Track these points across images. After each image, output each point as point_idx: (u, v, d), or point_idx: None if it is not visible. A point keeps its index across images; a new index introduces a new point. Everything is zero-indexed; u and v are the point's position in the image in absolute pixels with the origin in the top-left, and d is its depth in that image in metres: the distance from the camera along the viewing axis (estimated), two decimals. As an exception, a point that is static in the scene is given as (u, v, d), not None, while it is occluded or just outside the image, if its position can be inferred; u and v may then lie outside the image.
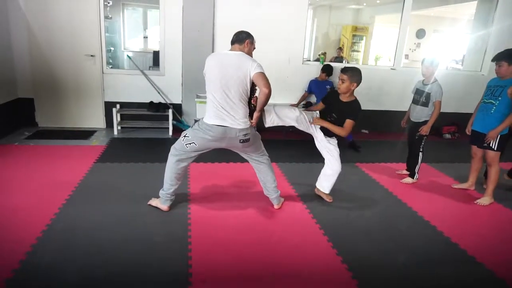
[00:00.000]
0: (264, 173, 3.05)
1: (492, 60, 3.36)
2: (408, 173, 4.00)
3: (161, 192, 2.94)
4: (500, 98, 3.24)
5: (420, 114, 3.77)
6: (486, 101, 3.38)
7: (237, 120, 2.65)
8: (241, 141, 2.71)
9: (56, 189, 3.19)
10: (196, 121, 2.94)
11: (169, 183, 2.89)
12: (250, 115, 2.77)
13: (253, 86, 2.71)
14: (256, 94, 2.76)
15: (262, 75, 2.59)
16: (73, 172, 3.58)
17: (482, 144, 3.40)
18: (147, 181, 3.51)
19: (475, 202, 3.48)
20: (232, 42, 2.77)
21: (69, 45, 4.95)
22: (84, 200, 3.04)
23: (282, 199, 3.22)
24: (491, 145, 3.34)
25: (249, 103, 2.75)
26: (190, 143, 2.76)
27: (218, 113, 2.65)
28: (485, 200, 3.46)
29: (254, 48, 2.84)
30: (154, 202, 3.01)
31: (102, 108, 5.29)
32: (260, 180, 3.12)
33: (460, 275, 2.38)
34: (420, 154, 3.84)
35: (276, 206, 3.13)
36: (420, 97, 3.78)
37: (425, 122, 3.73)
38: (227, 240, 2.59)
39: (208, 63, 2.71)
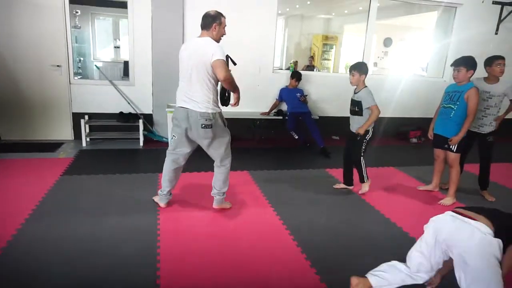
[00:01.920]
0: (217, 177, 3.09)
1: (451, 65, 3.52)
2: (345, 186, 3.88)
3: (159, 191, 3.17)
4: (458, 103, 3.41)
5: (357, 124, 3.56)
6: (446, 105, 3.54)
7: (198, 103, 2.76)
8: (203, 125, 2.77)
9: (19, 203, 3.08)
10: None
11: (163, 184, 3.12)
12: (222, 102, 2.90)
13: None
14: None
15: (219, 62, 2.64)
16: (37, 186, 3.47)
17: (444, 146, 3.55)
18: (117, 192, 3.44)
19: (439, 202, 3.61)
20: (201, 28, 2.83)
21: (34, 55, 4.82)
22: (49, 214, 2.94)
23: (227, 206, 3.23)
24: (451, 147, 3.50)
25: (223, 90, 2.86)
26: (172, 137, 2.98)
27: (182, 97, 2.82)
28: (448, 200, 3.60)
29: (225, 25, 2.88)
30: (156, 198, 3.23)
31: (70, 119, 5.16)
32: (214, 180, 3.14)
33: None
34: (362, 159, 3.64)
35: (214, 206, 3.18)
36: (354, 107, 3.58)
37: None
38: (196, 249, 2.57)
39: (180, 53, 2.88)
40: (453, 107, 3.45)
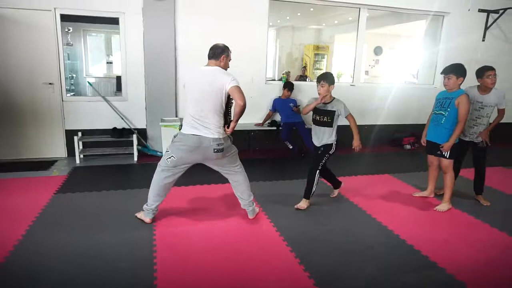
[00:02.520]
0: (240, 185, 3.18)
1: (441, 73, 3.57)
2: (336, 190, 3.88)
3: (144, 207, 3.10)
4: (449, 109, 3.44)
5: (328, 135, 3.45)
6: (437, 112, 3.58)
7: (211, 130, 2.83)
8: (215, 150, 2.85)
9: (12, 223, 3.03)
10: (175, 136, 3.08)
11: (152, 198, 3.06)
12: (227, 125, 2.94)
13: (229, 99, 2.88)
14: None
15: (237, 88, 2.79)
16: (31, 205, 3.42)
17: (436, 152, 3.58)
18: (112, 208, 3.41)
19: (434, 209, 3.62)
20: (209, 57, 2.94)
21: (26, 73, 4.81)
22: (43, 233, 2.90)
23: (257, 210, 3.35)
24: (444, 153, 3.52)
25: (226, 114, 2.92)
26: (170, 157, 2.95)
27: (193, 124, 2.84)
28: (444, 206, 3.61)
29: (230, 59, 3.02)
30: (139, 214, 3.16)
31: (63, 136, 5.13)
32: (236, 193, 3.23)
33: (423, 281, 2.45)
34: (317, 173, 3.48)
35: (250, 217, 3.26)
36: (326, 118, 3.44)
37: (327, 145, 3.46)
38: (194, 263, 2.54)
39: (187, 78, 2.94)
40: (444, 113, 3.49)
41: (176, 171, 3.00)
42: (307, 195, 3.53)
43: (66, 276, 2.34)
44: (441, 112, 3.52)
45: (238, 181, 3.17)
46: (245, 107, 2.79)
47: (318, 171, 3.47)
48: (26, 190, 3.85)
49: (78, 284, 2.27)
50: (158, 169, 3.04)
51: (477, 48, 6.47)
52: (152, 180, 3.04)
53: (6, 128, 4.88)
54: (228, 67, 3.01)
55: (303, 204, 3.54)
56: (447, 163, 3.55)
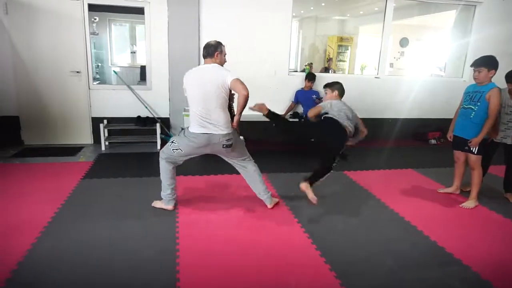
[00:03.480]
0: (251, 177, 3.24)
1: (471, 66, 3.43)
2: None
3: (162, 194, 3.17)
4: (479, 104, 3.33)
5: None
6: (466, 106, 3.46)
7: (220, 126, 2.87)
8: (224, 146, 2.93)
9: (42, 206, 3.16)
10: (182, 129, 3.21)
11: (166, 184, 3.12)
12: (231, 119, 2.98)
13: (230, 93, 2.92)
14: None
15: (238, 80, 2.80)
16: (59, 189, 3.55)
17: (464, 148, 3.48)
18: (136, 196, 3.49)
19: (460, 205, 3.53)
20: (204, 56, 2.98)
21: (54, 62, 4.95)
22: (70, 217, 3.01)
23: (276, 200, 3.38)
24: (471, 149, 3.42)
25: (229, 108, 2.96)
26: (176, 149, 3.00)
27: (202, 122, 2.87)
28: (470, 203, 3.51)
29: (225, 54, 3.02)
30: (157, 204, 3.22)
31: (89, 124, 5.27)
32: (250, 184, 3.29)
33: (447, 278, 2.40)
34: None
35: (269, 206, 3.31)
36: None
37: None
38: (216, 253, 2.58)
39: (186, 81, 2.95)
40: (473, 108, 3.37)
41: (180, 160, 3.10)
42: (312, 180, 3.20)
43: (88, 261, 2.42)
44: (470, 106, 3.40)
45: (248, 172, 3.23)
46: (248, 97, 2.78)
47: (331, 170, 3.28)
48: (55, 175, 3.99)
49: (100, 271, 2.34)
50: (161, 155, 3.08)
51: (511, 40, 6.20)
52: (160, 168, 3.11)
53: (35, 115, 5.05)
54: (225, 62, 3.03)
55: (309, 192, 3.13)
56: (475, 159, 3.45)
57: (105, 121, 5.24)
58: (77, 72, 5.05)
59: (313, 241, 2.77)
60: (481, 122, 3.33)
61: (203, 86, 2.85)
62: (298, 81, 5.75)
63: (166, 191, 3.14)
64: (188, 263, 2.43)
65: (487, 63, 3.29)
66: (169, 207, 3.17)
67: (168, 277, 2.27)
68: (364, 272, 2.44)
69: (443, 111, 6.11)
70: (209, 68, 2.90)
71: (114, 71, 6.82)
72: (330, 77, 6.46)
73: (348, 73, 10.18)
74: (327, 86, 3.65)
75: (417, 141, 6.27)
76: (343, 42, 10.29)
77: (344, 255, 2.63)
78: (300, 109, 5.68)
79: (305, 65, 8.60)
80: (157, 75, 5.34)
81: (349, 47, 10.40)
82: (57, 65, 4.97)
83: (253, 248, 2.67)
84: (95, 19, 7.24)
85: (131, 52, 8.56)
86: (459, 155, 3.67)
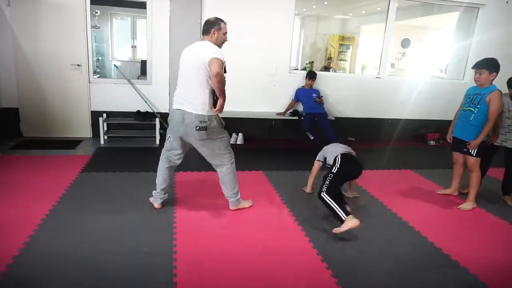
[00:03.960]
0: (224, 176, 3.06)
1: (473, 68, 3.42)
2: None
3: (153, 192, 3.16)
4: (479, 106, 3.32)
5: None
6: (466, 108, 3.46)
7: (195, 105, 2.76)
8: (197, 128, 2.76)
9: (40, 199, 3.15)
10: None
11: (157, 183, 3.12)
12: (214, 105, 2.80)
13: None
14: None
15: (215, 59, 2.62)
16: (58, 182, 3.54)
17: (463, 149, 3.48)
18: (134, 190, 3.48)
19: (458, 207, 3.54)
20: (202, 33, 2.90)
21: (55, 55, 4.93)
22: (68, 211, 3.00)
23: (246, 205, 3.23)
24: (470, 151, 3.42)
25: (214, 93, 2.78)
26: (167, 139, 3.02)
27: (179, 99, 2.84)
28: (468, 205, 3.52)
29: (225, 33, 2.89)
30: (151, 199, 3.21)
31: (89, 117, 5.25)
32: (220, 183, 3.14)
33: (444, 280, 2.41)
34: (323, 194, 2.97)
35: (230, 207, 3.18)
36: None
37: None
38: (212, 249, 2.58)
39: (181, 57, 2.91)
40: (473, 110, 3.37)
41: (174, 154, 3.02)
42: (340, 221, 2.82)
43: (85, 255, 2.40)
44: (470, 108, 3.40)
45: (223, 172, 3.04)
46: (220, 78, 2.62)
47: (323, 193, 2.96)
48: (53, 168, 3.98)
49: (98, 265, 2.33)
50: (162, 152, 3.12)
51: (513, 43, 6.19)
52: (158, 165, 3.12)
53: (35, 107, 5.04)
54: (225, 41, 2.91)
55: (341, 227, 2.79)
56: (474, 161, 3.45)
57: (105, 115, 5.22)
58: (78, 65, 5.03)
59: (310, 240, 2.77)
60: (480, 125, 3.33)
61: (187, 62, 2.81)
62: (299, 79, 5.74)
63: (156, 189, 3.13)
64: (185, 259, 2.42)
65: (489, 65, 3.28)
66: (156, 205, 3.14)
67: (165, 273, 2.27)
68: (362, 273, 2.44)
69: (443, 113, 6.11)
70: (199, 45, 2.82)
71: (114, 65, 6.80)
72: (330, 76, 6.46)
73: (349, 73, 10.17)
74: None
75: (417, 142, 6.28)
76: (344, 41, 10.28)
77: (341, 254, 2.63)
78: (300, 107, 5.68)
79: (306, 64, 8.59)
80: (158, 70, 5.32)
81: (351, 47, 10.40)
82: (58, 57, 4.94)
83: (251, 246, 2.66)
84: (96, 12, 7.21)
85: (132, 46, 8.53)
86: (457, 156, 3.67)
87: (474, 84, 3.48)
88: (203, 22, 2.93)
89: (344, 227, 2.73)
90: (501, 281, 2.44)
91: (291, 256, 2.57)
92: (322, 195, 2.94)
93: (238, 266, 2.40)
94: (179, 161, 3.10)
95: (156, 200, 3.15)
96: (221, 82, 2.66)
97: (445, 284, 2.38)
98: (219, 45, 2.86)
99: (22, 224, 2.72)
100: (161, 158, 3.11)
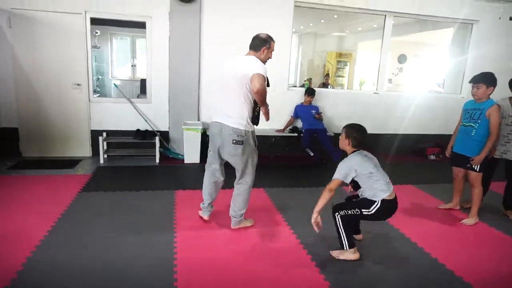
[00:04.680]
0: (239, 195, 3.05)
1: (470, 82, 3.42)
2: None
3: (201, 204, 3.23)
4: (479, 121, 3.32)
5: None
6: (466, 124, 3.45)
7: (233, 119, 2.77)
8: (234, 141, 2.78)
9: (39, 219, 3.12)
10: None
11: (204, 197, 3.18)
12: (254, 121, 2.86)
13: None
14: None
15: (257, 75, 2.63)
16: (57, 202, 3.51)
17: (466, 165, 3.46)
18: (133, 209, 3.46)
19: (461, 222, 3.51)
20: (250, 48, 2.89)
21: (55, 75, 4.97)
22: (68, 231, 2.96)
23: (247, 224, 3.20)
24: (473, 167, 3.40)
25: (254, 109, 2.83)
26: (208, 152, 3.07)
27: (218, 111, 2.86)
28: (470, 220, 3.49)
29: (273, 50, 2.91)
30: (200, 212, 3.27)
31: (89, 136, 5.26)
32: (232, 200, 3.13)
33: (448, 297, 2.37)
34: (338, 217, 2.70)
35: (232, 226, 3.14)
36: None
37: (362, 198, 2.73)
38: (214, 268, 2.54)
39: (222, 69, 2.91)
40: (474, 125, 3.37)
41: (214, 168, 3.06)
42: (341, 245, 2.73)
43: (84, 276, 2.37)
44: (470, 124, 3.40)
45: (239, 190, 3.03)
46: (262, 93, 2.66)
47: (337, 214, 2.68)
48: (52, 187, 3.95)
49: (99, 278, 2.31)
50: (205, 167, 3.16)
51: (509, 58, 6.27)
52: (204, 179, 3.17)
53: (35, 127, 5.04)
54: (270, 58, 2.93)
55: (339, 253, 2.75)
56: (475, 176, 3.43)
57: (104, 134, 5.23)
58: (78, 84, 5.07)
59: (312, 258, 2.73)
60: (482, 140, 3.32)
61: (231, 75, 2.79)
62: (298, 96, 5.78)
63: (204, 202, 3.20)
64: (186, 276, 2.38)
65: (486, 79, 3.29)
66: (204, 217, 3.22)
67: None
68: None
69: (442, 127, 6.15)
70: (246, 60, 2.80)
71: (114, 84, 6.86)
72: (329, 92, 6.52)
73: (347, 89, 10.26)
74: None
75: (416, 157, 6.27)
76: (342, 58, 10.42)
77: (345, 272, 2.59)
78: (299, 124, 5.70)
79: (305, 80, 8.67)
80: (157, 89, 5.36)
81: (348, 63, 10.53)
82: (58, 77, 4.99)
83: (252, 264, 2.62)
84: (96, 32, 7.32)
85: (132, 65, 8.62)
86: (458, 171, 3.66)
87: (471, 98, 3.49)
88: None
89: (342, 256, 2.71)
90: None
91: (293, 276, 2.53)
92: (336, 215, 2.67)
93: (239, 285, 2.36)
94: (222, 177, 3.10)
95: (204, 213, 3.22)
96: (262, 94, 2.70)
97: (450, 301, 2.34)
98: (264, 62, 2.85)
99: (22, 243, 2.69)
100: (206, 172, 3.14)
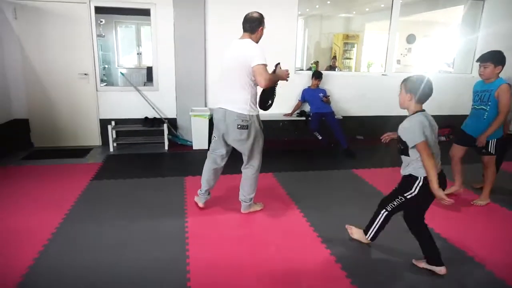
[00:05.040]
0: (245, 179, 3.09)
1: (477, 61, 3.31)
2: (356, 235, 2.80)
3: (198, 191, 3.25)
4: (489, 103, 3.22)
5: (403, 164, 2.40)
6: (477, 107, 3.35)
7: (237, 104, 2.79)
8: (239, 126, 2.80)
9: (52, 208, 3.18)
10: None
11: (202, 184, 3.21)
12: (263, 107, 2.96)
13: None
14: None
15: (259, 68, 2.65)
16: (69, 191, 3.57)
17: (481, 151, 3.36)
18: (144, 197, 3.50)
19: (472, 202, 3.48)
20: (245, 30, 2.86)
21: (62, 65, 4.99)
22: (81, 219, 3.02)
23: (257, 208, 3.24)
24: (489, 150, 3.32)
25: (265, 94, 2.91)
26: (213, 138, 3.08)
27: (221, 98, 2.88)
28: (482, 201, 3.46)
29: (265, 27, 2.91)
30: (196, 198, 3.29)
31: (97, 125, 5.30)
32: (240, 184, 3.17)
33: (460, 276, 2.37)
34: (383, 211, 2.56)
35: (242, 210, 3.18)
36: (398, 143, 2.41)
37: (405, 179, 2.39)
38: (225, 253, 2.58)
39: (224, 54, 2.93)
40: (485, 108, 3.27)
41: (218, 154, 3.07)
42: (365, 230, 2.68)
43: (99, 264, 2.42)
44: (482, 107, 3.29)
45: (246, 174, 3.06)
46: (268, 85, 2.72)
47: (385, 210, 2.53)
48: (65, 177, 4.02)
49: (112, 272, 2.35)
50: (207, 154, 3.17)
51: (520, 35, 6.11)
52: (204, 166, 3.18)
53: (45, 118, 5.10)
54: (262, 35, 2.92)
55: (355, 232, 2.76)
56: (489, 157, 3.37)
57: (113, 123, 5.27)
58: (85, 74, 5.08)
59: (323, 240, 2.75)
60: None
61: (229, 61, 2.83)
62: (305, 80, 5.73)
63: (201, 189, 3.22)
64: (198, 263, 2.42)
65: (494, 58, 3.17)
66: (199, 204, 3.23)
67: (179, 278, 2.27)
68: (374, 270, 2.42)
69: (452, 108, 6.05)
70: (243, 44, 2.79)
71: (121, 72, 6.86)
72: (337, 75, 6.44)
73: (354, 71, 10.13)
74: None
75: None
76: (349, 40, 10.25)
77: (355, 254, 2.61)
78: (307, 108, 5.66)
79: (311, 63, 8.57)
80: (164, 76, 5.36)
81: (355, 45, 10.35)
82: (65, 67, 5.01)
83: (263, 248, 2.66)
84: (101, 21, 7.28)
85: (137, 54, 8.60)
86: (456, 151, 3.55)
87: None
88: (242, 20, 2.89)
89: (358, 238, 2.72)
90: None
91: (304, 257, 2.55)
92: (383, 212, 2.53)
93: (252, 270, 2.40)
94: (223, 163, 3.14)
95: (200, 200, 3.23)
96: (270, 84, 2.75)
97: (461, 280, 2.34)
98: (258, 41, 2.86)
99: (36, 233, 2.75)
100: (207, 159, 3.16)
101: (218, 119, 2.92)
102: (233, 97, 2.80)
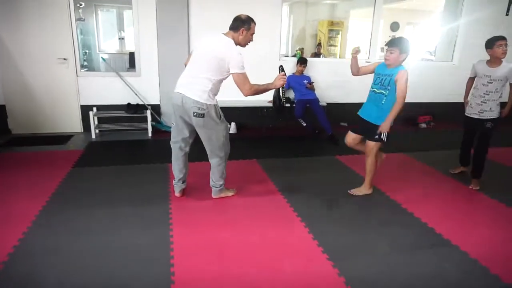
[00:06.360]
0: (212, 170, 3.10)
1: (385, 45, 3.17)
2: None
3: (173, 181, 3.21)
4: (389, 88, 3.06)
5: None
6: (377, 91, 3.18)
7: (195, 91, 2.76)
8: (195, 114, 2.77)
9: (32, 196, 3.12)
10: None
11: (174, 174, 3.16)
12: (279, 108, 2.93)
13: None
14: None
15: (239, 79, 2.73)
16: (50, 179, 3.50)
17: (374, 137, 3.22)
18: (127, 184, 3.47)
19: (349, 191, 3.41)
20: (229, 28, 2.85)
21: (40, 49, 4.83)
22: (62, 206, 2.97)
23: (229, 194, 3.26)
24: (382, 137, 3.20)
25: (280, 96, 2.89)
26: (172, 125, 3.05)
27: (182, 82, 2.85)
28: (361, 190, 3.41)
29: (253, 33, 2.89)
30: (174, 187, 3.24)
31: (79, 112, 5.19)
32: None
33: (437, 259, 2.45)
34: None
35: (212, 195, 3.21)
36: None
37: None
38: (209, 239, 2.59)
39: (200, 41, 2.92)
40: (384, 92, 3.09)
41: (180, 139, 3.01)
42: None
43: (79, 255, 2.37)
44: (381, 91, 3.12)
45: (212, 163, 3.07)
46: (253, 94, 2.82)
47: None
48: (45, 164, 3.94)
49: (95, 259, 2.34)
50: (171, 144, 3.12)
51: (500, 23, 6.20)
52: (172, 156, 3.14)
53: (23, 104, 4.95)
54: (251, 41, 2.92)
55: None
56: (373, 145, 3.23)
57: (95, 109, 5.16)
58: (64, 59, 4.94)
59: (306, 225, 2.80)
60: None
61: (202, 51, 2.80)
62: (290, 66, 5.71)
63: (175, 179, 3.18)
64: (182, 250, 2.43)
65: (401, 44, 3.03)
66: (176, 193, 3.22)
67: (162, 264, 2.28)
68: (357, 254, 2.47)
69: (434, 95, 6.15)
70: (223, 40, 2.77)
71: (102, 57, 6.69)
72: (321, 62, 6.45)
73: (339, 58, 10.15)
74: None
75: (408, 126, 6.32)
76: (333, 27, 10.23)
77: (340, 239, 2.64)
78: (291, 94, 5.67)
79: (296, 50, 8.54)
80: (146, 61, 5.26)
81: (340, 32, 10.35)
82: (43, 52, 4.85)
83: (246, 234, 2.68)
84: (80, 4, 7.05)
85: (119, 39, 8.39)
86: (351, 140, 3.46)
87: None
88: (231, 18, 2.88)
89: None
90: (490, 257, 2.49)
91: (287, 241, 2.59)
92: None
93: (235, 255, 2.42)
94: (187, 148, 3.08)
95: (175, 189, 3.21)
96: (254, 94, 2.84)
97: (437, 262, 2.42)
98: (244, 44, 2.88)
99: (15, 222, 2.70)
100: (172, 150, 3.10)
101: (175, 103, 2.86)
102: (193, 84, 2.76)
